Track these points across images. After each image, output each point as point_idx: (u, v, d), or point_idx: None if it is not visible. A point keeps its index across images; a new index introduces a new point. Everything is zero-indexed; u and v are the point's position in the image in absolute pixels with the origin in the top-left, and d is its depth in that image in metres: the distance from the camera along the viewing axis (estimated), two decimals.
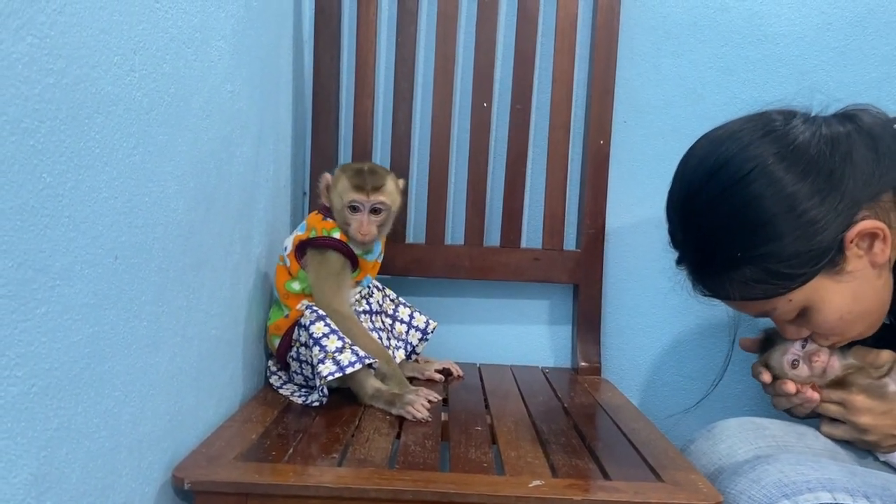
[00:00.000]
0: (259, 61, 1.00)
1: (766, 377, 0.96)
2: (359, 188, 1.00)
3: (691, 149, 0.91)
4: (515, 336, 1.32)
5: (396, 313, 1.13)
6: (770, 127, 0.85)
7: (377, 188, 1.01)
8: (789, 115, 0.87)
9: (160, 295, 0.70)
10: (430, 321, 1.15)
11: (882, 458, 0.91)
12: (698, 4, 1.26)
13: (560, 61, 1.22)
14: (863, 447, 0.92)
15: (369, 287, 1.10)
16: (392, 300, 1.15)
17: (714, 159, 0.85)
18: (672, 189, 0.92)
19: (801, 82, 1.25)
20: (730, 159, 0.84)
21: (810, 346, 0.94)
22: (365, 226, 1.00)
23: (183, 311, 0.76)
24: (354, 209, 1.00)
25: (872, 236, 0.82)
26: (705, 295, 0.93)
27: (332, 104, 1.23)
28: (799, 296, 0.85)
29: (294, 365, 1.00)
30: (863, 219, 0.82)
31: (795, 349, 0.95)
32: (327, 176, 1.04)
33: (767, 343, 0.99)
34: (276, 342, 1.01)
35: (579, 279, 1.25)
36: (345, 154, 1.27)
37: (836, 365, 0.92)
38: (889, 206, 0.84)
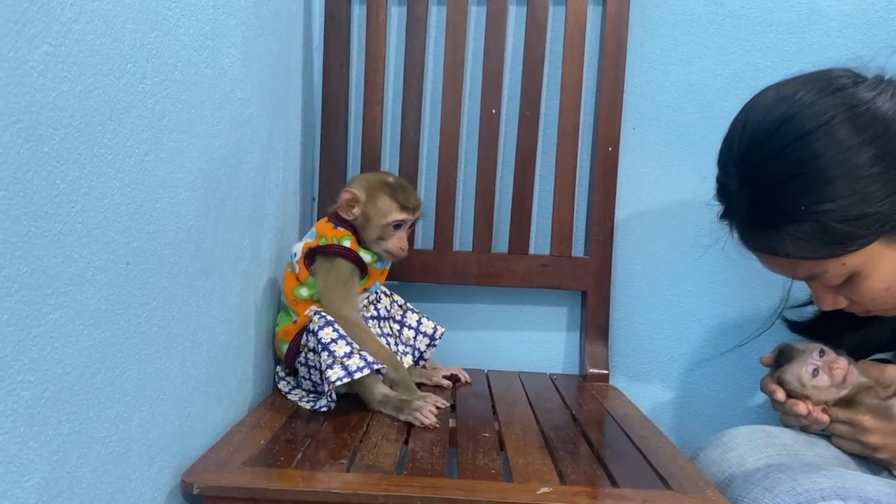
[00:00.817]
0: (269, 68, 1.00)
1: (781, 395, 0.95)
2: (405, 208, 1.02)
3: (753, 101, 0.89)
4: (523, 342, 1.32)
5: (404, 319, 1.14)
6: (837, 85, 0.83)
7: (419, 206, 1.04)
8: (859, 77, 0.85)
9: (170, 300, 0.71)
10: (439, 327, 1.15)
11: None
12: (707, 12, 1.26)
13: (569, 68, 1.22)
14: (876, 463, 0.92)
15: (377, 292, 1.10)
16: (400, 306, 1.15)
17: (780, 113, 0.83)
18: (731, 137, 0.89)
19: None
20: (795, 114, 0.81)
21: (829, 356, 0.94)
22: (404, 242, 1.03)
23: (193, 316, 0.77)
24: (397, 226, 1.03)
25: None
26: (755, 250, 0.90)
27: (342, 110, 1.23)
28: (853, 260, 0.83)
29: (302, 370, 1.01)
30: None
31: (814, 359, 0.94)
32: (355, 192, 1.02)
33: (781, 358, 0.98)
34: (285, 348, 1.02)
35: (588, 286, 1.24)
36: (353, 160, 1.27)
37: (855, 374, 0.92)
38: None
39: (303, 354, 0.99)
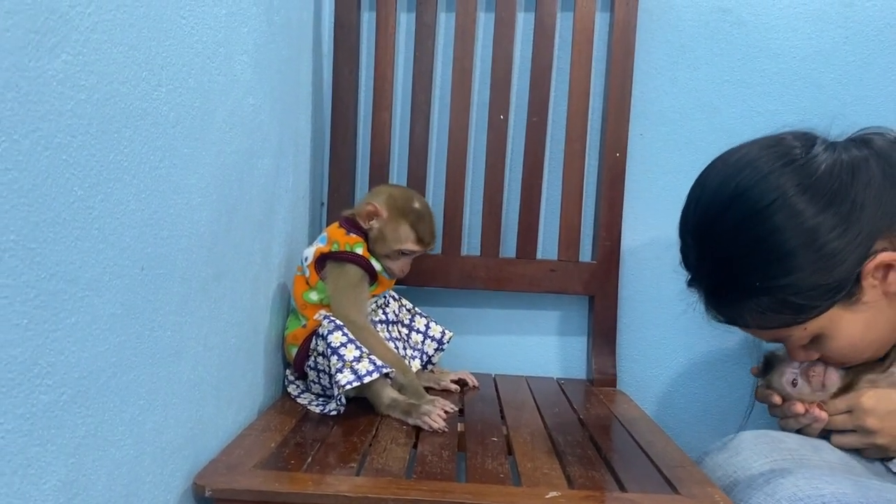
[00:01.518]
0: (280, 75, 1.01)
1: (777, 398, 0.97)
2: (421, 241, 1.05)
3: (707, 172, 0.90)
4: (531, 347, 1.33)
5: (413, 323, 1.14)
6: (791, 156, 0.84)
7: (433, 241, 1.07)
8: (808, 141, 0.86)
9: (183, 305, 0.72)
10: (447, 331, 1.16)
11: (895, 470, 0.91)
12: (715, 18, 1.26)
13: (576, 74, 1.23)
14: (876, 455, 0.92)
15: (385, 296, 1.11)
16: (408, 310, 1.16)
17: (734, 186, 0.84)
18: (686, 212, 0.91)
19: (818, 96, 1.25)
20: (750, 188, 0.83)
21: (805, 363, 0.95)
22: (407, 267, 1.07)
23: (205, 320, 0.78)
24: (405, 254, 1.05)
25: (888, 267, 0.82)
26: (718, 320, 0.92)
27: (351, 117, 1.24)
28: (814, 325, 0.86)
29: (312, 374, 1.01)
30: (881, 250, 0.81)
31: (792, 368, 0.96)
32: (378, 207, 1.03)
33: (768, 367, 1.00)
34: (294, 352, 1.02)
35: (595, 290, 1.25)
36: (362, 165, 1.28)
37: (834, 377, 0.93)
38: None
39: (312, 358, 1.00)
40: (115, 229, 0.58)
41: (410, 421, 0.93)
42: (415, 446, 0.86)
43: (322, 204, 1.30)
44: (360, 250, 1.03)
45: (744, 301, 0.86)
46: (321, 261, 1.03)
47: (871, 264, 0.81)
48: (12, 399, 0.47)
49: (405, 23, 1.28)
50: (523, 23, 1.27)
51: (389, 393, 0.96)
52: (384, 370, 0.93)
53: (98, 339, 0.56)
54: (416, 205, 1.05)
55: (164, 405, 0.69)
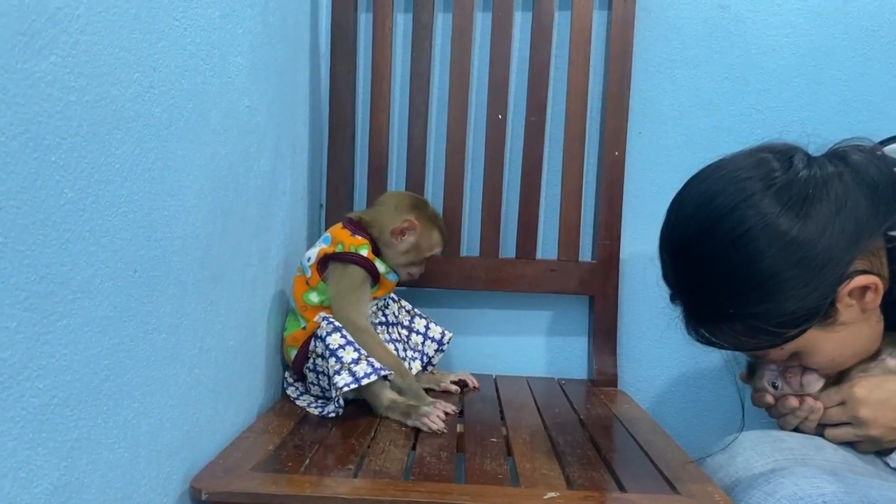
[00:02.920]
0: (276, 76, 1.01)
1: (770, 399, 0.97)
2: (444, 243, 1.12)
3: (685, 190, 0.88)
4: (531, 347, 1.32)
5: (412, 324, 1.14)
6: (769, 179, 0.81)
7: None
8: (787, 159, 0.83)
9: (179, 307, 0.71)
10: (446, 332, 1.15)
11: (894, 465, 0.91)
12: (713, 15, 1.26)
13: (574, 73, 1.22)
14: (870, 449, 0.92)
15: (385, 299, 1.11)
16: (408, 311, 1.15)
17: (711, 210, 0.82)
18: (664, 232, 0.90)
19: (818, 92, 1.24)
20: (727, 213, 0.80)
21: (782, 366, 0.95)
22: (423, 268, 1.12)
23: (201, 323, 0.77)
24: (426, 259, 1.10)
25: (864, 289, 0.81)
26: (697, 340, 0.91)
27: (349, 118, 1.24)
28: (792, 345, 0.85)
29: (311, 376, 1.01)
30: (857, 271, 0.80)
31: (771, 371, 0.96)
32: (414, 221, 1.05)
33: (751, 372, 1.00)
34: (293, 353, 1.02)
35: (595, 290, 1.24)
36: (360, 166, 1.28)
37: (811, 377, 0.93)
38: (879, 251, 0.83)
39: (311, 360, 1.00)
40: (107, 231, 0.57)
41: (409, 422, 0.93)
42: (413, 448, 0.86)
43: (321, 205, 1.30)
44: (365, 252, 1.02)
45: (719, 324, 0.85)
46: (324, 261, 1.02)
47: (846, 288, 0.79)
48: (2, 402, 0.46)
49: (402, 23, 1.28)
50: (521, 22, 1.27)
51: (388, 395, 0.96)
52: (382, 372, 0.93)
53: (90, 342, 0.56)
54: (432, 209, 1.10)
55: (160, 408, 0.68)
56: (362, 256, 1.02)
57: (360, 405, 0.98)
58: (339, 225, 1.07)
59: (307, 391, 1.05)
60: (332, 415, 0.95)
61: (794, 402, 0.93)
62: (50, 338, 0.51)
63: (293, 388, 1.05)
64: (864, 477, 0.82)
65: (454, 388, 1.12)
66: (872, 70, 1.24)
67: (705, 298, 0.85)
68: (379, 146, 1.24)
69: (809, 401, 0.92)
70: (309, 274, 1.03)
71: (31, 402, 0.49)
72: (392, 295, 1.13)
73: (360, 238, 1.04)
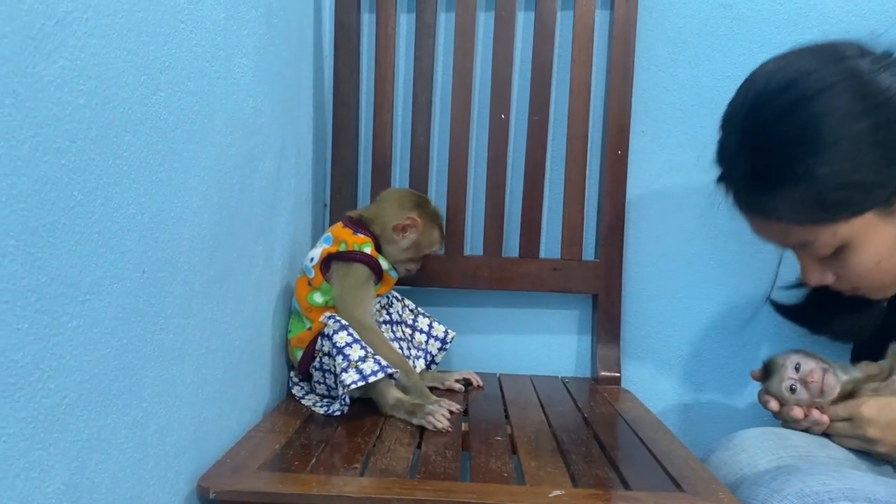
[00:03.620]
0: (280, 77, 1.02)
1: (774, 405, 0.97)
2: (442, 242, 1.14)
3: (762, 66, 0.89)
4: (535, 346, 1.33)
5: (416, 323, 1.15)
6: (843, 55, 0.82)
7: None
8: (865, 51, 0.84)
9: (186, 308, 0.72)
10: (449, 331, 1.16)
11: None
12: (715, 14, 1.26)
13: (577, 72, 1.22)
14: (878, 459, 0.92)
15: (389, 297, 1.11)
16: (411, 310, 1.16)
17: (787, 73, 0.83)
18: (735, 99, 0.90)
19: None
20: (807, 73, 0.81)
21: (804, 369, 0.94)
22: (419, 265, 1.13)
23: (208, 323, 0.78)
24: (424, 255, 1.11)
25: None
26: (749, 211, 0.90)
27: (352, 118, 1.24)
28: (845, 230, 0.83)
29: (317, 375, 1.01)
30: None
31: (790, 374, 0.95)
32: (417, 219, 1.07)
33: (767, 373, 0.99)
34: (299, 354, 1.03)
35: (598, 289, 1.25)
36: (364, 166, 1.28)
37: (832, 382, 0.93)
38: None
39: (318, 359, 1.00)
40: (116, 233, 0.58)
41: (415, 421, 0.93)
42: (419, 446, 0.86)
43: (325, 205, 1.30)
44: (368, 250, 1.03)
45: (782, 188, 0.83)
46: (327, 261, 1.03)
47: None
48: (14, 403, 0.47)
49: (405, 23, 1.28)
50: (523, 21, 1.27)
51: (394, 393, 0.96)
52: (388, 370, 0.93)
53: (100, 343, 0.56)
54: (433, 206, 1.11)
55: (168, 408, 0.69)
56: (366, 254, 1.03)
57: (364, 404, 0.98)
58: (340, 224, 1.08)
59: (312, 390, 1.05)
60: (338, 413, 0.95)
61: (798, 413, 0.93)
62: (61, 339, 0.51)
63: (298, 388, 1.06)
64: (868, 474, 0.83)
65: (458, 386, 1.12)
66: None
67: (773, 158, 0.84)
68: (382, 146, 1.24)
69: (815, 414, 0.92)
70: (312, 275, 1.03)
71: (42, 403, 0.49)
72: (396, 294, 1.13)
73: (362, 236, 1.04)
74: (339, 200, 1.24)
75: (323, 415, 0.97)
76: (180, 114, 0.69)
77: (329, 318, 0.99)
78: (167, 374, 0.68)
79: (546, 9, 1.22)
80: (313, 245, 1.08)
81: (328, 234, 1.06)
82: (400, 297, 1.15)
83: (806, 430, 0.95)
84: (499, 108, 1.24)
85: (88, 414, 0.55)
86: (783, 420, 0.97)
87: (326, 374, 1.00)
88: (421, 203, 1.10)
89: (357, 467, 0.77)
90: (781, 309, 1.13)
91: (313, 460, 0.79)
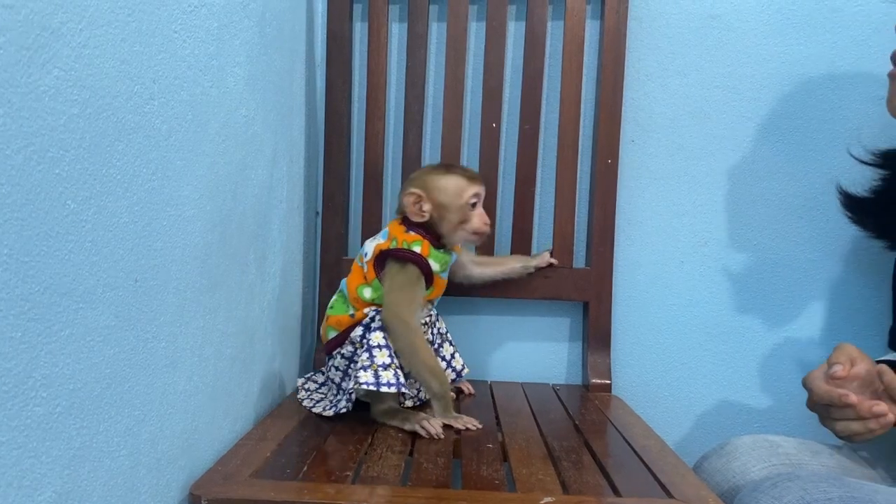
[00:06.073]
0: (273, 86, 1.02)
1: (853, 397, 0.86)
2: (473, 179, 1.02)
3: None
4: (526, 353, 1.33)
5: (440, 349, 1.12)
6: None
7: (477, 174, 1.04)
8: None
9: (178, 316, 0.72)
10: (465, 367, 1.14)
11: None
12: (704, 24, 1.27)
13: (568, 82, 1.23)
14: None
15: (435, 311, 1.09)
16: (441, 334, 1.13)
17: None
18: None
19: (807, 101, 1.26)
20: None
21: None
22: (486, 216, 1.03)
23: (200, 331, 0.78)
24: (474, 204, 1.02)
25: None
26: None
27: (344, 126, 1.25)
28: None
29: (338, 360, 1.00)
30: None
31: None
32: (416, 191, 1.00)
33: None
34: (332, 335, 1.01)
35: (589, 296, 1.25)
36: (356, 175, 1.29)
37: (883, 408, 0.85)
38: None
39: (347, 345, 0.99)
40: (109, 242, 0.58)
41: (407, 427, 0.93)
42: (410, 454, 0.87)
43: (317, 213, 1.31)
44: (418, 248, 1.00)
45: None
46: (381, 258, 1.00)
47: None
48: (6, 411, 0.47)
49: (397, 32, 1.29)
50: (514, 31, 1.28)
51: (391, 402, 0.97)
52: (403, 389, 0.93)
53: (92, 351, 0.56)
54: (436, 164, 1.06)
55: (160, 416, 0.69)
56: (416, 254, 1.00)
57: (357, 412, 0.98)
58: (398, 220, 1.05)
59: (323, 384, 1.05)
60: (343, 410, 0.96)
61: (883, 407, 0.84)
62: (53, 347, 0.51)
63: (307, 389, 1.07)
64: (865, 482, 0.83)
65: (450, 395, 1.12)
66: (863, 81, 1.26)
67: None
68: (374, 154, 1.25)
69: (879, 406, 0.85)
70: (366, 269, 1.01)
71: (35, 412, 0.50)
72: (435, 312, 1.10)
73: (413, 234, 1.01)
74: (331, 208, 1.24)
75: (314, 423, 0.97)
76: (173, 123, 0.69)
77: (375, 312, 0.98)
78: (159, 381, 0.69)
79: (537, 19, 1.23)
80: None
81: (385, 229, 1.04)
82: (437, 319, 1.12)
83: (850, 438, 0.88)
84: (490, 117, 1.25)
85: (81, 422, 0.55)
86: (835, 420, 0.87)
87: (349, 363, 0.99)
88: (415, 175, 1.04)
89: (349, 475, 0.77)
90: (848, 199, 1.10)
91: (305, 468, 0.79)
